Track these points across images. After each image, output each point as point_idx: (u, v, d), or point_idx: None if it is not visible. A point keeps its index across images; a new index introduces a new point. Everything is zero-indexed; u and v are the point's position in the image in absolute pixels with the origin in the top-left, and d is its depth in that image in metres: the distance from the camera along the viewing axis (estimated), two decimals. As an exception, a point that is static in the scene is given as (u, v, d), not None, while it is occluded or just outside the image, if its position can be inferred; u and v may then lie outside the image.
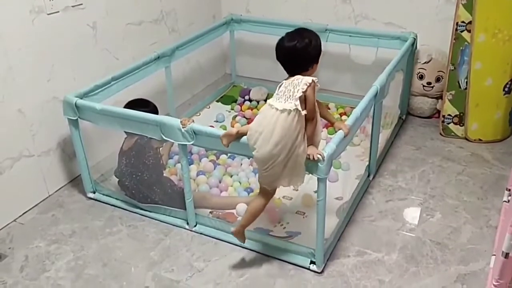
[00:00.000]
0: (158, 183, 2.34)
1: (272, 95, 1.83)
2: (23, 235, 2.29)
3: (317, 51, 1.81)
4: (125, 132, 2.34)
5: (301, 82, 1.72)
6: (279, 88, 1.77)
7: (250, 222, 2.00)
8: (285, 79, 1.80)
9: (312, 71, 1.82)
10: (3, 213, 2.33)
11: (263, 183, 1.91)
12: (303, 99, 1.72)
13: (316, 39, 1.81)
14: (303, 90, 1.71)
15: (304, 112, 1.72)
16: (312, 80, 1.72)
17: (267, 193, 1.95)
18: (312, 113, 1.75)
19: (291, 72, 1.80)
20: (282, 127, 1.71)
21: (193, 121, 2.03)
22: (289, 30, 3.27)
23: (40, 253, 2.18)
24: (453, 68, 2.96)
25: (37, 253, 2.18)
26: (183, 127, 2.01)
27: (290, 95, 1.72)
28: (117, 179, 2.45)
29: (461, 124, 3.03)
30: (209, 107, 3.49)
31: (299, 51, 1.76)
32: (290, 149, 1.74)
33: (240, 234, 2.01)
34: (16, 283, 2.01)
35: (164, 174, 2.42)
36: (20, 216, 2.41)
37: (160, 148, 2.42)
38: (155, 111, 2.37)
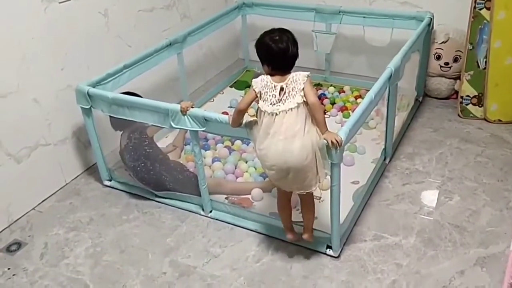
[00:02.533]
0: (165, 170, 2.35)
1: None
2: (42, 223, 2.32)
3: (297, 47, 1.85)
4: (116, 129, 2.40)
5: (299, 76, 1.77)
6: (279, 92, 1.76)
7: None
8: (272, 80, 1.79)
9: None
10: (22, 202, 2.37)
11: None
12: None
13: (293, 36, 1.84)
14: (304, 82, 1.76)
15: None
16: (308, 74, 1.78)
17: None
18: (317, 101, 1.78)
19: (283, 72, 1.80)
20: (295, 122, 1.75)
21: (193, 105, 2.04)
22: (302, 13, 3.24)
23: (59, 240, 2.21)
24: (471, 48, 2.89)
25: (56, 240, 2.21)
26: (183, 114, 2.01)
27: (296, 91, 1.75)
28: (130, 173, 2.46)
29: (480, 105, 2.96)
30: (223, 93, 3.48)
31: (292, 51, 1.80)
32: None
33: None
34: (36, 270, 2.05)
35: (172, 159, 2.42)
36: (38, 204, 2.44)
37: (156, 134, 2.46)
38: None
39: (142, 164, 2.33)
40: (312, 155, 1.76)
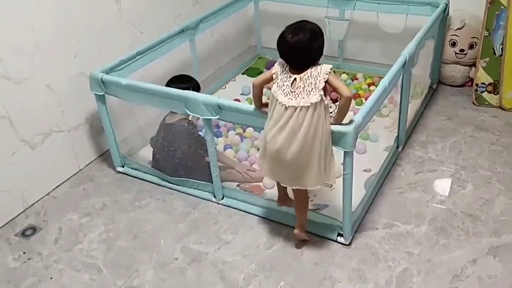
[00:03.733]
0: (195, 159, 2.34)
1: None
2: (56, 208, 2.36)
3: (323, 41, 1.75)
4: None
5: (321, 72, 1.68)
6: (292, 84, 1.70)
7: (304, 216, 2.00)
8: (290, 73, 1.72)
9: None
10: (36, 187, 2.40)
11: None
12: (324, 88, 1.69)
13: (319, 29, 1.74)
14: (325, 79, 1.68)
15: (327, 101, 1.70)
16: (331, 68, 1.70)
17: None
18: (345, 89, 1.70)
19: (302, 67, 1.71)
20: (309, 125, 1.69)
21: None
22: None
23: (73, 225, 2.24)
24: (487, 34, 2.84)
25: (70, 226, 2.24)
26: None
27: (312, 88, 1.67)
28: (152, 148, 2.46)
29: (496, 93, 2.92)
30: (235, 80, 3.47)
31: (311, 45, 1.70)
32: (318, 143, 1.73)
33: (302, 234, 2.00)
34: (51, 254, 2.08)
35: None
36: (53, 190, 2.48)
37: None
38: (197, 87, 2.37)
39: (172, 149, 2.32)
40: (314, 157, 1.72)
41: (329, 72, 1.69)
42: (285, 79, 1.73)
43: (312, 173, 1.76)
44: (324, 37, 1.76)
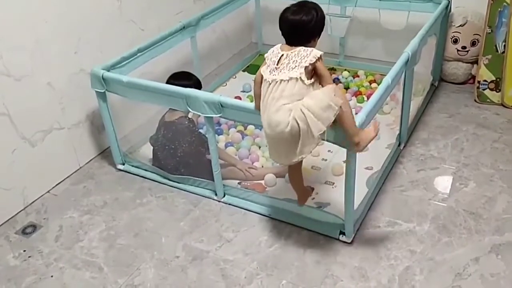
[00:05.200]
0: (196, 157, 2.33)
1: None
2: (57, 206, 2.35)
3: (322, 23, 1.79)
4: None
5: (310, 54, 1.69)
6: (279, 60, 1.72)
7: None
8: (280, 48, 1.75)
9: (314, 44, 1.80)
10: (37, 185, 2.39)
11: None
12: (310, 71, 1.69)
13: (321, 11, 1.79)
14: (311, 62, 1.68)
15: (308, 82, 1.68)
16: (320, 55, 1.70)
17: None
18: (328, 78, 1.72)
19: (293, 43, 1.76)
20: (289, 95, 1.69)
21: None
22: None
23: (74, 223, 2.23)
24: (490, 31, 2.82)
25: (71, 223, 2.23)
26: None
27: (296, 65, 1.69)
28: (152, 146, 2.46)
29: (498, 90, 2.91)
30: (235, 77, 3.46)
31: (306, 24, 1.74)
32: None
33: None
34: (52, 252, 2.08)
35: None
36: (53, 187, 2.47)
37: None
38: (197, 84, 2.36)
39: (173, 147, 2.32)
40: (293, 129, 1.67)
41: (319, 57, 1.69)
42: (272, 57, 1.75)
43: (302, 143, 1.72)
44: (325, 32, 1.77)
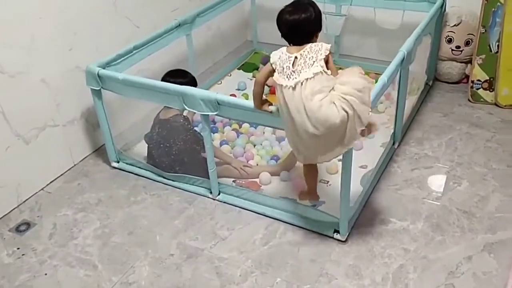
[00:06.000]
0: (191, 155, 2.32)
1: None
2: (51, 203, 2.34)
3: (320, 17, 1.83)
4: None
5: (322, 47, 1.73)
6: (293, 62, 1.72)
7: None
8: (288, 52, 1.76)
9: (316, 39, 1.83)
10: (31, 182, 2.38)
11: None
12: (324, 63, 1.72)
13: (316, 6, 1.82)
14: (326, 54, 1.72)
15: (329, 72, 1.72)
16: (330, 47, 1.75)
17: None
18: (334, 71, 1.77)
19: (299, 43, 1.78)
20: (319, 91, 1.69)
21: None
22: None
23: (68, 221, 2.23)
24: (484, 31, 2.84)
25: (65, 221, 2.22)
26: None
27: (314, 61, 1.70)
28: (146, 144, 2.45)
29: (491, 90, 2.93)
30: (230, 75, 3.45)
31: (307, 21, 1.77)
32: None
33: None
34: (45, 250, 2.07)
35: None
36: (47, 185, 2.46)
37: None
38: (193, 81, 2.35)
39: (168, 145, 2.31)
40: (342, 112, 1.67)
41: (328, 50, 1.73)
42: (284, 62, 1.74)
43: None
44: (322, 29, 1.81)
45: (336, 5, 3.17)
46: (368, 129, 1.77)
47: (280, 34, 1.84)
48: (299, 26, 1.76)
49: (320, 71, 1.69)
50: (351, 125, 1.68)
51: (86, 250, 2.06)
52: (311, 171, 2.12)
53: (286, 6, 1.81)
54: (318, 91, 1.67)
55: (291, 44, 1.79)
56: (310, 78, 1.68)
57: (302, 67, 1.70)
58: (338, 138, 1.71)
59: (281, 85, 1.73)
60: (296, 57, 1.73)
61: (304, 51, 1.73)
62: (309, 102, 1.67)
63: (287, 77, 1.72)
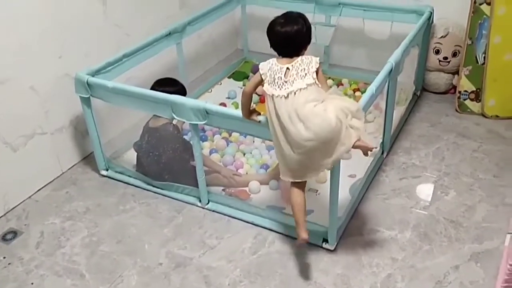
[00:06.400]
0: (180, 163, 2.32)
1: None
2: (38, 211, 2.32)
3: (310, 31, 1.84)
4: None
5: (312, 60, 1.76)
6: (285, 73, 1.73)
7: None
8: (279, 63, 1.77)
9: (304, 52, 1.84)
10: (18, 190, 2.36)
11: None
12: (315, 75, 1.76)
13: (307, 19, 1.84)
14: (317, 67, 1.75)
15: (320, 84, 1.75)
16: (318, 60, 1.77)
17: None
18: (325, 86, 1.80)
19: (290, 55, 1.79)
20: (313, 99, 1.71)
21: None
22: (301, 5, 3.20)
23: (55, 229, 2.21)
24: (470, 43, 2.89)
25: (52, 230, 2.20)
26: None
27: (305, 74, 1.73)
28: (136, 152, 2.44)
29: (478, 100, 2.97)
30: (221, 84, 3.46)
31: (299, 33, 1.78)
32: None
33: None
34: (32, 259, 2.05)
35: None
36: (35, 193, 2.43)
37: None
38: (182, 90, 2.35)
39: (157, 154, 2.31)
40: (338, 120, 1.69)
41: (318, 63, 1.76)
42: (275, 74, 1.75)
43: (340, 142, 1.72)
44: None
45: (325, 15, 3.20)
46: (365, 153, 1.80)
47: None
48: (291, 39, 1.77)
49: (313, 83, 1.72)
50: (344, 134, 1.70)
51: (73, 259, 2.04)
52: (299, 197, 1.86)
53: (277, 18, 1.83)
54: (312, 100, 1.70)
55: (281, 56, 1.81)
56: (304, 88, 1.70)
57: (295, 78, 1.72)
58: (329, 148, 1.71)
59: (273, 95, 1.74)
60: (288, 68, 1.75)
61: (295, 63, 1.75)
62: (302, 109, 1.68)
63: (279, 87, 1.73)
